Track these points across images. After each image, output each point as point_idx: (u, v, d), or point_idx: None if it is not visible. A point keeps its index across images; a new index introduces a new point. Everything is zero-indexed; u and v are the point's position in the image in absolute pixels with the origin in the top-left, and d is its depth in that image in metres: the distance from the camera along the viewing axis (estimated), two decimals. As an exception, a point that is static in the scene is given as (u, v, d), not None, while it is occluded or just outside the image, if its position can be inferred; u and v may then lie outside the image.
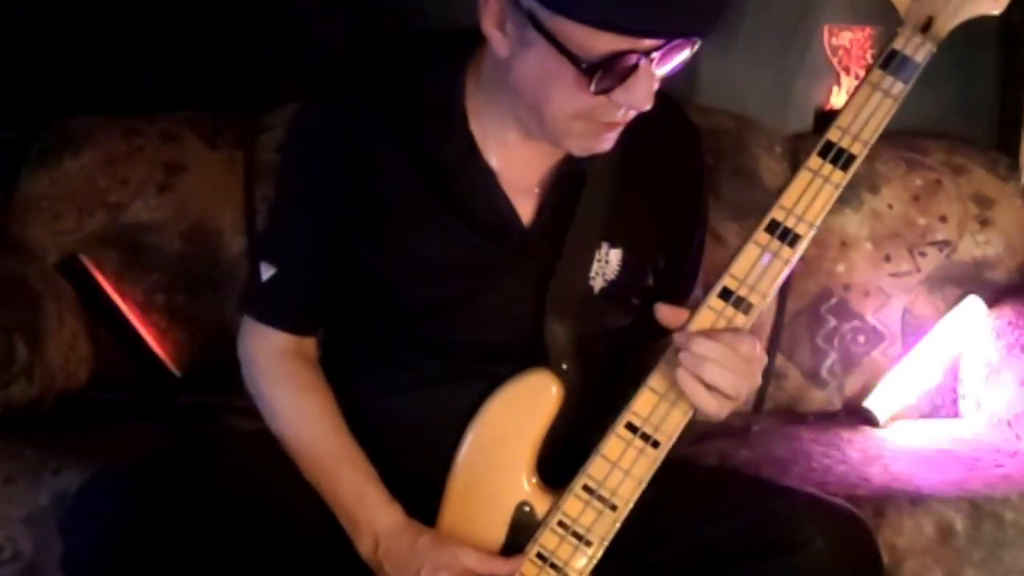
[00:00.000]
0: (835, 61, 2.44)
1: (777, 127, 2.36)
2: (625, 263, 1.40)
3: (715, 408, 1.24)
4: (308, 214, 1.40)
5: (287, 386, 1.42)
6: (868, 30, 2.42)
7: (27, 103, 2.41)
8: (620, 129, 1.29)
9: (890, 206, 2.26)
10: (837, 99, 2.45)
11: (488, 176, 1.36)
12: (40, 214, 2.23)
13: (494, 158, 1.36)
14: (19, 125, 2.34)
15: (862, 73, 2.38)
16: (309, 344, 1.46)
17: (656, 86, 1.23)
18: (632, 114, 1.26)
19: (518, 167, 1.37)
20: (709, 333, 1.24)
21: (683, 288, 1.50)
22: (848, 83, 2.43)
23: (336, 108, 1.37)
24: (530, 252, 1.37)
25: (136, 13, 2.42)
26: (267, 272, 1.41)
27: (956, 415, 2.24)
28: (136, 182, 2.24)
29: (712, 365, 1.22)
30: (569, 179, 1.37)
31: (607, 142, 1.30)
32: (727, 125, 2.29)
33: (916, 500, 1.75)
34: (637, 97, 1.22)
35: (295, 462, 1.38)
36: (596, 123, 1.26)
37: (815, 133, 2.45)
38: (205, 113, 2.33)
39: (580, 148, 1.30)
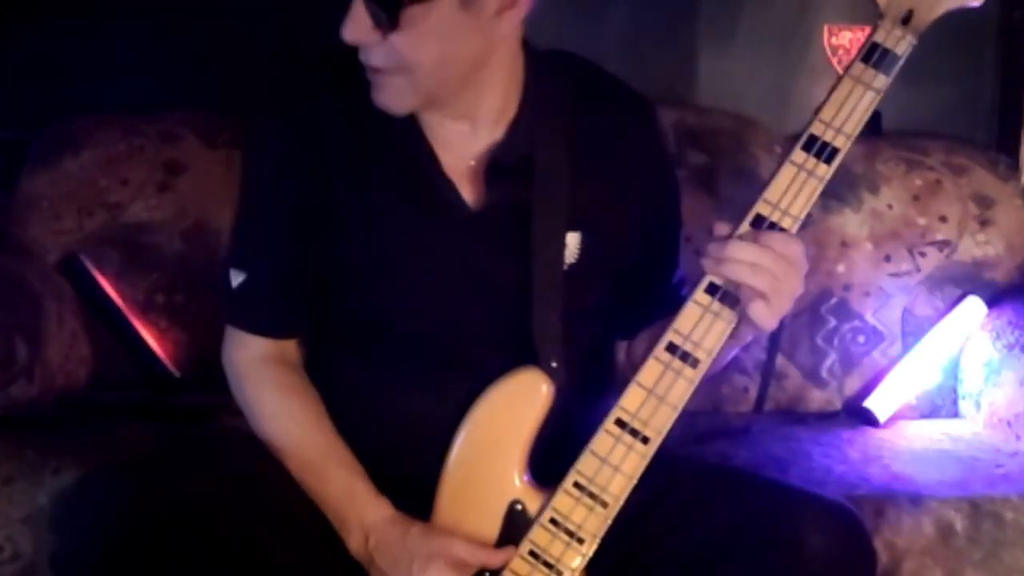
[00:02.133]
0: (835, 61, 2.44)
1: (777, 127, 2.36)
2: (585, 247, 1.40)
3: (766, 315, 1.23)
4: (269, 218, 1.43)
5: (270, 390, 1.43)
6: (868, 30, 2.41)
7: (27, 103, 2.41)
8: (382, 79, 1.30)
9: (890, 206, 2.26)
10: (837, 99, 2.45)
11: (428, 156, 1.38)
12: (40, 214, 2.23)
13: (437, 143, 1.38)
14: (19, 125, 2.34)
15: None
16: (289, 348, 1.47)
17: (365, 23, 1.25)
18: (370, 59, 1.29)
19: (459, 151, 1.39)
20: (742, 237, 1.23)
21: (667, 262, 1.51)
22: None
23: (291, 110, 1.41)
24: (482, 237, 1.38)
25: (136, 13, 2.42)
26: (237, 279, 1.44)
27: (956, 415, 2.24)
28: (136, 182, 2.24)
29: (745, 267, 1.22)
30: (514, 162, 1.37)
31: (378, 92, 1.32)
32: (727, 125, 2.30)
33: (916, 500, 1.75)
34: (343, 30, 1.27)
35: (283, 465, 1.38)
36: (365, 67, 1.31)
37: (815, 133, 2.45)
38: (205, 113, 2.33)
39: (374, 100, 1.33)
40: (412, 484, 1.36)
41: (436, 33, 1.26)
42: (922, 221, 2.26)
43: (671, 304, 1.30)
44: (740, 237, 1.23)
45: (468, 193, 1.39)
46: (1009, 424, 2.07)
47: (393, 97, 1.32)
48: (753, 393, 2.23)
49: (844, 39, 2.43)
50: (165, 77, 2.40)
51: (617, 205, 1.43)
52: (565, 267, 1.39)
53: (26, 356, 1.95)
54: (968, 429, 2.16)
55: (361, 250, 1.40)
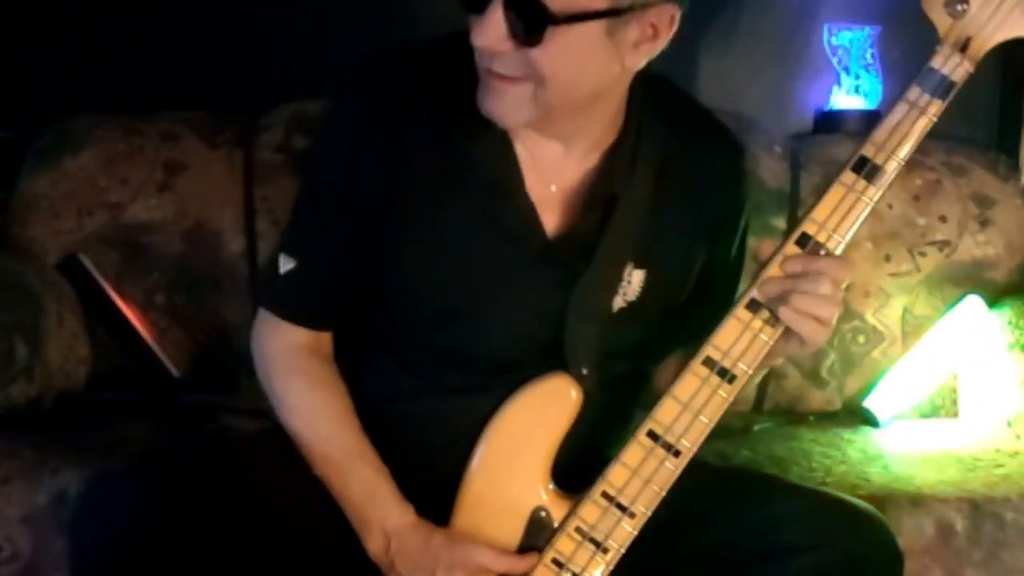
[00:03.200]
0: (835, 61, 2.44)
1: (777, 127, 2.36)
2: (648, 285, 1.38)
3: (823, 335, 1.26)
4: (336, 207, 1.37)
5: (300, 382, 1.40)
6: (868, 30, 2.42)
7: (27, 103, 2.41)
8: (504, 86, 1.24)
9: (890, 206, 2.26)
10: (837, 99, 2.45)
11: (516, 177, 1.34)
12: (40, 214, 2.22)
13: (526, 163, 1.35)
14: (19, 125, 2.34)
15: (862, 73, 2.39)
16: (325, 340, 1.44)
17: (500, 31, 1.19)
18: (493, 64, 1.23)
19: (548, 175, 1.35)
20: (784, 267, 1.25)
21: (726, 295, 1.46)
22: (848, 83, 2.43)
23: (376, 102, 1.35)
24: (551, 264, 1.35)
25: (136, 13, 2.42)
26: (286, 265, 1.39)
27: (956, 415, 2.24)
28: (136, 182, 2.24)
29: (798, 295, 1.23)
30: (602, 198, 1.34)
31: (493, 99, 1.26)
32: (726, 125, 2.29)
33: (916, 500, 1.75)
34: (475, 34, 1.21)
35: (306, 458, 1.36)
36: (481, 70, 1.26)
37: (815, 133, 2.45)
38: (205, 113, 2.33)
39: (480, 107, 1.28)
40: (434, 486, 1.35)
41: (576, 53, 1.22)
42: (922, 221, 2.26)
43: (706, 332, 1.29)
44: (785, 263, 1.24)
45: (547, 220, 1.35)
46: (1009, 424, 2.07)
47: (509, 106, 1.26)
48: (753, 393, 2.23)
49: (844, 39, 2.43)
50: (165, 77, 2.40)
51: (690, 246, 1.41)
52: (624, 303, 1.37)
53: (26, 356, 1.95)
54: (968, 429, 2.16)
55: (422, 260, 1.36)
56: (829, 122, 2.45)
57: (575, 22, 1.19)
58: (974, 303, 2.22)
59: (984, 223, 2.26)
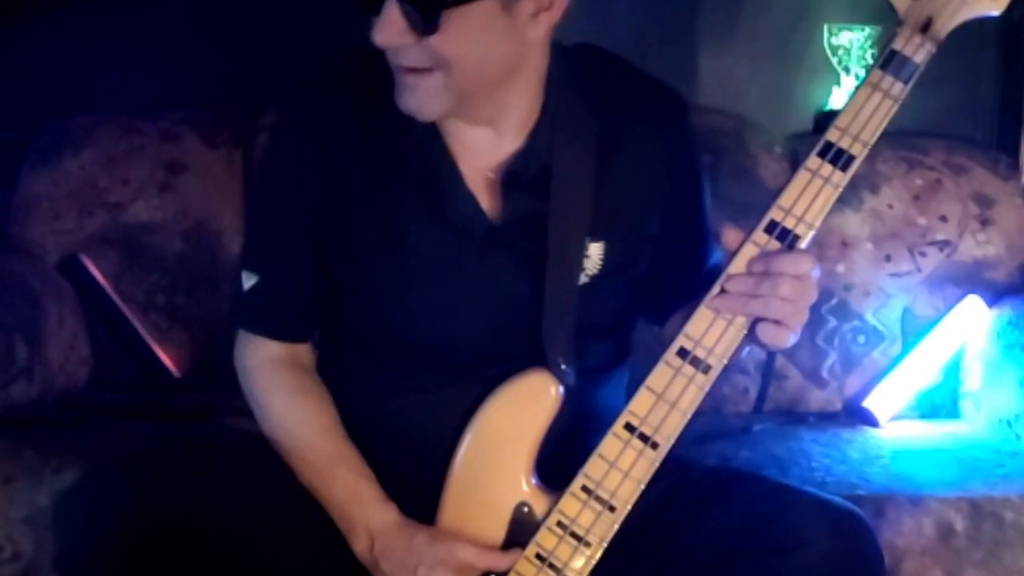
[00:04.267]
0: (835, 61, 2.44)
1: (777, 127, 2.37)
2: (607, 255, 1.38)
3: (781, 337, 1.23)
4: (282, 222, 1.41)
5: (280, 393, 1.42)
6: (868, 30, 2.42)
7: (27, 103, 2.41)
8: (415, 80, 1.26)
9: (890, 206, 2.26)
10: (837, 99, 2.45)
11: (449, 168, 1.36)
12: (40, 214, 2.23)
13: (458, 152, 1.36)
14: (19, 125, 2.34)
15: (862, 73, 2.39)
16: (301, 351, 1.46)
17: (399, 25, 1.21)
18: (401, 59, 1.25)
19: (481, 161, 1.37)
20: (749, 266, 1.23)
21: (698, 254, 1.47)
22: (848, 83, 2.43)
23: (310, 115, 1.38)
24: (503, 250, 1.36)
25: (136, 13, 2.42)
26: (249, 281, 1.42)
27: (956, 415, 2.24)
28: (136, 182, 2.24)
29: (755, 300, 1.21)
30: (535, 176, 1.35)
31: (408, 94, 1.28)
32: (727, 125, 2.29)
33: (916, 500, 1.75)
34: (375, 33, 1.23)
35: (291, 466, 1.38)
36: (393, 68, 1.28)
37: (815, 133, 2.45)
38: (205, 113, 2.33)
39: (399, 104, 1.30)
40: (418, 485, 1.35)
41: (476, 33, 1.24)
42: (922, 221, 2.26)
43: (706, 288, 1.27)
44: (749, 263, 1.22)
45: (488, 204, 1.37)
46: (1009, 424, 2.07)
47: (424, 99, 1.28)
48: (753, 393, 2.23)
49: (844, 39, 2.43)
50: (165, 77, 2.40)
51: (645, 209, 1.41)
52: (587, 278, 1.37)
53: (26, 356, 1.95)
54: (968, 429, 2.16)
55: (375, 258, 1.38)
56: (829, 122, 2.43)
57: (468, 2, 1.21)
58: (974, 303, 2.22)
59: (984, 223, 2.26)
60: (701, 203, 1.49)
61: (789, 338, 1.23)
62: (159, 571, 1.22)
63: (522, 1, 1.25)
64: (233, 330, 1.47)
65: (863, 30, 2.42)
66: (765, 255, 1.22)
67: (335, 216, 1.38)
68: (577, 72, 1.38)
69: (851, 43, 2.43)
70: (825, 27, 2.44)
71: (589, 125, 1.36)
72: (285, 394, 1.42)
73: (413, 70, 1.26)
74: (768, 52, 2.48)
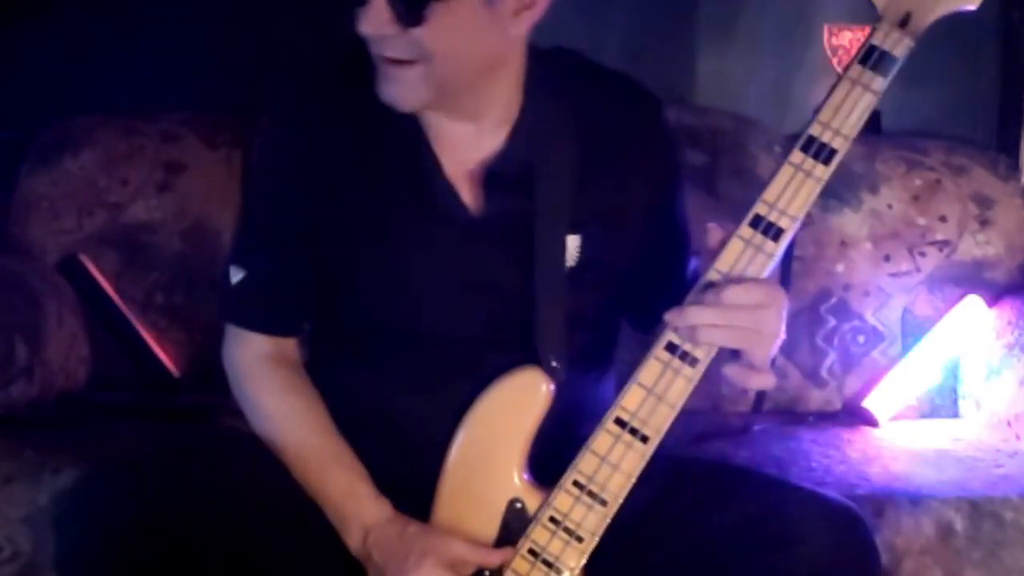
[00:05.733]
0: (835, 61, 2.44)
1: (776, 127, 2.37)
2: (585, 249, 1.40)
3: (744, 376, 1.27)
4: (270, 218, 1.43)
5: (270, 390, 1.43)
6: (868, 30, 2.42)
7: (27, 103, 2.42)
8: (396, 71, 1.30)
9: (890, 206, 2.26)
10: (837, 99, 2.45)
11: (429, 159, 1.38)
12: (40, 214, 2.23)
13: (439, 145, 1.39)
14: (19, 125, 2.34)
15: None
16: (289, 347, 1.47)
17: (385, 16, 1.25)
18: (384, 50, 1.29)
19: (462, 155, 1.39)
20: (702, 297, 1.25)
21: (676, 256, 1.50)
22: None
23: (300, 111, 1.42)
24: (484, 243, 1.38)
25: (136, 13, 2.42)
26: (236, 276, 1.44)
27: (956, 415, 2.24)
28: (136, 182, 2.24)
29: (708, 329, 1.24)
30: (516, 172, 1.38)
31: (389, 85, 1.31)
32: (726, 125, 2.29)
33: (916, 500, 1.75)
34: (361, 22, 1.26)
35: (283, 463, 1.38)
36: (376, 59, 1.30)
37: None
38: (204, 113, 2.33)
39: (380, 95, 1.32)
40: (412, 484, 1.36)
41: (459, 27, 1.27)
42: (922, 221, 2.26)
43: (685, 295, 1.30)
44: (705, 288, 1.24)
45: (469, 197, 1.39)
46: (1009, 424, 2.07)
47: (405, 90, 1.31)
48: (752, 393, 2.23)
49: (844, 39, 2.43)
50: (165, 77, 2.40)
51: (621, 205, 1.43)
52: (568, 271, 1.39)
53: (26, 356, 1.96)
54: (968, 429, 2.16)
55: (362, 252, 1.40)
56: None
57: None
58: (974, 303, 2.22)
59: (984, 223, 2.26)
60: (678, 198, 1.52)
61: (758, 378, 1.28)
62: (158, 571, 1.22)
63: None
64: (222, 323, 1.48)
65: (863, 30, 2.42)
66: (718, 290, 1.24)
67: (322, 212, 1.40)
68: (554, 72, 1.41)
69: (851, 43, 2.42)
70: (825, 27, 2.44)
71: (567, 123, 1.39)
72: (276, 391, 1.43)
73: (396, 61, 1.29)
74: (768, 52, 2.49)
